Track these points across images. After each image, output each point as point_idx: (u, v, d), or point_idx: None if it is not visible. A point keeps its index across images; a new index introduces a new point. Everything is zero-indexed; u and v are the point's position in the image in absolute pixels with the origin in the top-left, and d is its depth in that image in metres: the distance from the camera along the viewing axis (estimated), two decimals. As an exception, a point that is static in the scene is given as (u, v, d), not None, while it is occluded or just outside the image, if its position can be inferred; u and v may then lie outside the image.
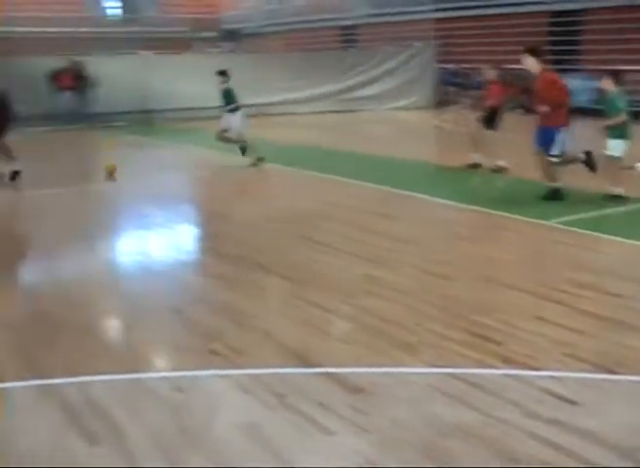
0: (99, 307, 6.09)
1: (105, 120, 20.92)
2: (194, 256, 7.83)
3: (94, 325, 5.65)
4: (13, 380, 4.47)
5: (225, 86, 13.08)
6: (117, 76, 21.20)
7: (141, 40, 30.50)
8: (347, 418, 3.89)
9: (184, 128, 20.10)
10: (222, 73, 13.06)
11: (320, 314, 5.57)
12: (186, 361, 4.77)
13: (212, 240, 8.37)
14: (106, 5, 35.87)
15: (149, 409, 4.06)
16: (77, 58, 21.89)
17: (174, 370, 4.67)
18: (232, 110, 13.10)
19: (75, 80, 21.14)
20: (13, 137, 12.08)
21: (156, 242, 8.28)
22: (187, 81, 20.99)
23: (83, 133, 19.97)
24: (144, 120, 21.25)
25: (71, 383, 4.38)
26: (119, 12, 36.95)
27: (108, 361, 4.79)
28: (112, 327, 5.78)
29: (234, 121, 13.13)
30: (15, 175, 11.63)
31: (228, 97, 13.04)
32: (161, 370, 4.74)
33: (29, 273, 7.19)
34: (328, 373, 4.42)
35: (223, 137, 13.35)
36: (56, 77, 21.01)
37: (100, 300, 6.24)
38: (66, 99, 21.02)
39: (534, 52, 9.48)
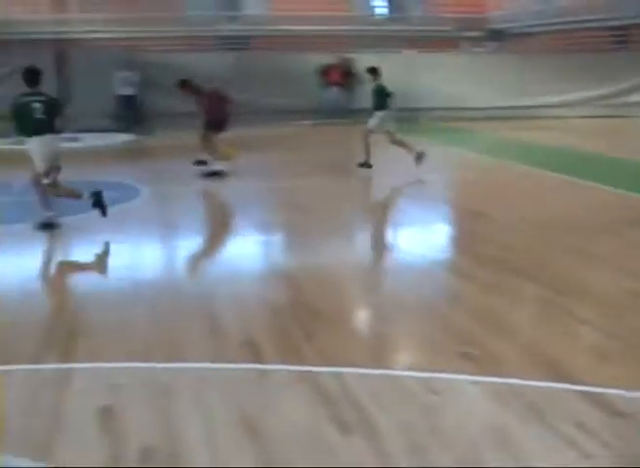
0: (353, 299, 6.22)
1: (369, 116, 21.38)
2: (450, 255, 7.78)
3: (348, 316, 5.79)
4: (273, 363, 4.65)
5: (376, 83, 12.62)
6: (382, 73, 21.61)
7: (407, 39, 30.81)
8: (605, 442, 3.65)
9: (448, 127, 20.05)
10: (371, 71, 12.62)
11: (582, 329, 5.31)
12: (439, 361, 4.72)
13: (469, 240, 8.27)
14: (374, 4, 36.60)
15: (401, 406, 4.06)
16: (346, 55, 22.60)
17: (426, 369, 4.63)
18: (377, 108, 12.64)
19: (343, 76, 21.87)
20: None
21: (412, 238, 8.31)
22: (452, 80, 20.94)
23: (348, 127, 20.54)
24: (408, 118, 21.45)
25: (327, 372, 4.48)
26: (385, 11, 37.60)
27: (362, 353, 4.88)
28: (366, 320, 5.86)
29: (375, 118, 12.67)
30: (215, 174, 11.98)
31: (379, 95, 12.59)
32: (413, 368, 4.72)
33: (292, 261, 7.42)
34: (587, 392, 4.18)
35: (398, 141, 12.81)
36: (325, 73, 21.84)
37: (355, 292, 6.37)
38: (334, 95, 21.78)
39: None
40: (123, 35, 27.37)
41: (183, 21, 29.39)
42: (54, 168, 8.41)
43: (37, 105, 8.27)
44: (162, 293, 6.26)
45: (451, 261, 7.45)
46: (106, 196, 8.60)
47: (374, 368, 4.60)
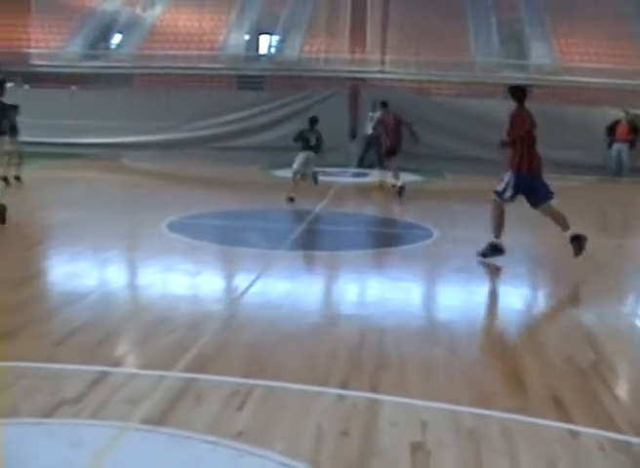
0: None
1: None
2: None
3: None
4: (582, 425, 4.51)
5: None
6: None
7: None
8: None
9: None
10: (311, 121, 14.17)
11: None
12: None
13: None
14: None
15: None
16: (633, 111, 21.85)
17: None
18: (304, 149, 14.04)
19: (631, 133, 21.16)
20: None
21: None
22: None
23: (633, 186, 19.88)
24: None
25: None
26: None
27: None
28: None
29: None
30: (401, 190, 14.87)
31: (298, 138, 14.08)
32: None
33: (588, 318, 7.07)
34: None
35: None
36: (612, 128, 21.24)
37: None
38: (620, 151, 21.12)
39: None
40: (410, 77, 28.19)
41: (469, 67, 29.70)
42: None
43: None
44: (460, 336, 6.28)
45: None
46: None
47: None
